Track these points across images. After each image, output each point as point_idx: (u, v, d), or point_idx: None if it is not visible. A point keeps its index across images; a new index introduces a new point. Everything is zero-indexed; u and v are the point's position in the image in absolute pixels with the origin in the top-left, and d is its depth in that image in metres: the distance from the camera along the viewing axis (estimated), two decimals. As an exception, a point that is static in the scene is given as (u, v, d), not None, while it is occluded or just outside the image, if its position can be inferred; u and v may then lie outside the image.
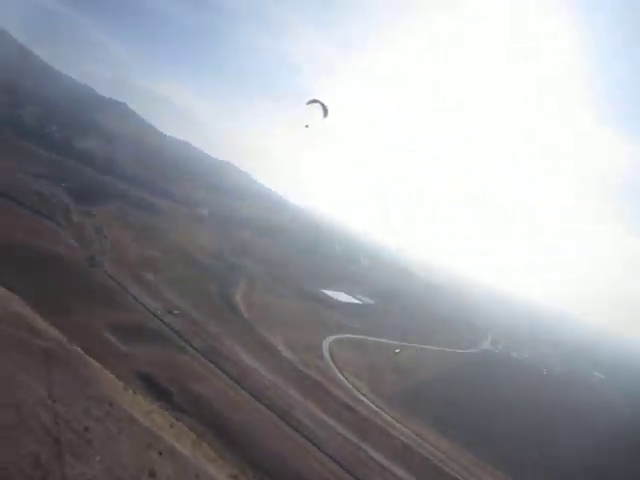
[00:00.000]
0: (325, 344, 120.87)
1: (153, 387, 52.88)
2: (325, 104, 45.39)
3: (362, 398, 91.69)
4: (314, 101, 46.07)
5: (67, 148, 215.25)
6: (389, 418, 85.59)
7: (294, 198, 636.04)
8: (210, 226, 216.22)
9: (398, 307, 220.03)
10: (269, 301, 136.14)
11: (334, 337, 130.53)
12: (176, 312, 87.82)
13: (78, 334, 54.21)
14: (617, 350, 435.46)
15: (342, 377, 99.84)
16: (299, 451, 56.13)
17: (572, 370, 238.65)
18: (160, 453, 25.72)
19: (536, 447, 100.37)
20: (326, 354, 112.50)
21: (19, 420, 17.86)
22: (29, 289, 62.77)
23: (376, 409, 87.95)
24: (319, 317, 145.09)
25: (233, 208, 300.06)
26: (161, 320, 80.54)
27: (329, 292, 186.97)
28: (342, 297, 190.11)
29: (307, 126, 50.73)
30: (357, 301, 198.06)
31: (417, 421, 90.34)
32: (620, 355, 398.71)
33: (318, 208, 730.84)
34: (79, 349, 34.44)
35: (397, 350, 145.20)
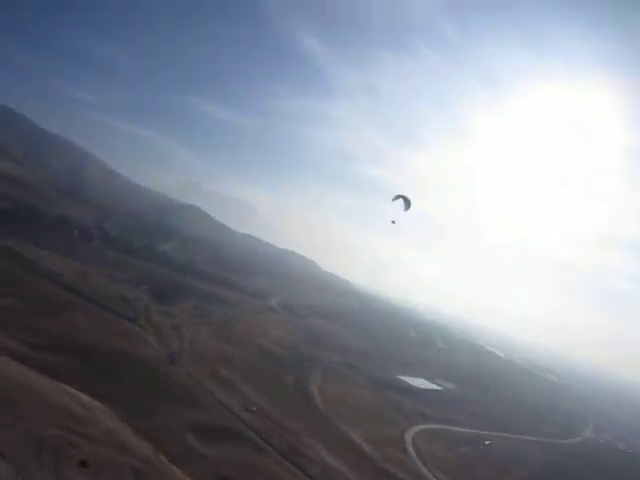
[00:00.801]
0: (407, 436, 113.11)
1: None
2: (408, 197, 46.34)
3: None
4: (399, 197, 47.16)
5: (148, 253, 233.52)
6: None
7: (359, 281, 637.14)
8: (281, 316, 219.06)
9: (481, 392, 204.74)
10: (345, 391, 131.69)
11: (416, 428, 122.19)
12: (253, 409, 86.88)
13: (161, 438, 55.08)
14: None
15: (429, 474, 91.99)
16: None
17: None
18: None
19: None
20: (409, 447, 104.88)
21: None
22: (114, 393, 65.67)
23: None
24: (398, 406, 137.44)
25: (301, 296, 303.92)
26: (239, 418, 79.92)
27: (407, 378, 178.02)
28: (421, 383, 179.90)
29: (394, 222, 50.93)
30: (437, 387, 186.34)
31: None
32: None
33: (384, 291, 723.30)
34: (165, 460, 34.74)
35: (487, 442, 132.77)
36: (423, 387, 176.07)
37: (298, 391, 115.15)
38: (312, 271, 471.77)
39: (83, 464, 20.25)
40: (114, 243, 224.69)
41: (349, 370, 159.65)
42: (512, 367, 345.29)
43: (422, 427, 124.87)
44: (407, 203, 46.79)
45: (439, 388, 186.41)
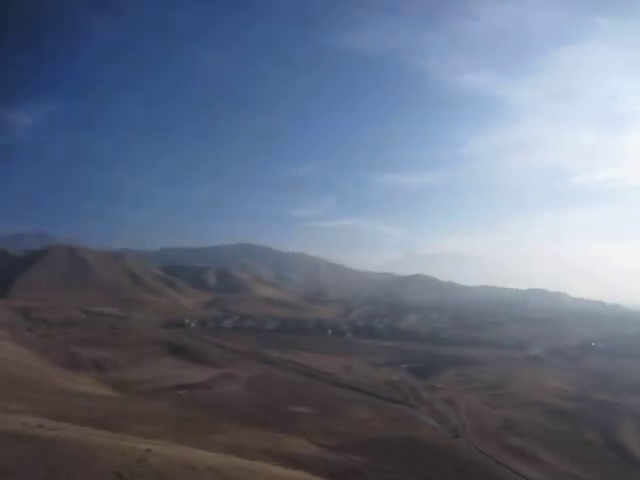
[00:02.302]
0: None
1: None
2: None
3: None
4: None
5: (392, 332, 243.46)
6: None
7: (627, 301, 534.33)
8: (551, 364, 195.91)
9: None
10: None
11: None
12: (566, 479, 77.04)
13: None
14: None
15: None
16: None
17: None
18: None
19: None
20: None
21: None
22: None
23: None
24: None
25: (564, 336, 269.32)
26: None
27: None
28: None
29: None
30: None
31: None
32: None
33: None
34: None
35: None
36: None
37: (612, 450, 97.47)
38: (566, 304, 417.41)
39: None
40: (362, 332, 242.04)
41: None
42: None
43: None
44: None
45: None
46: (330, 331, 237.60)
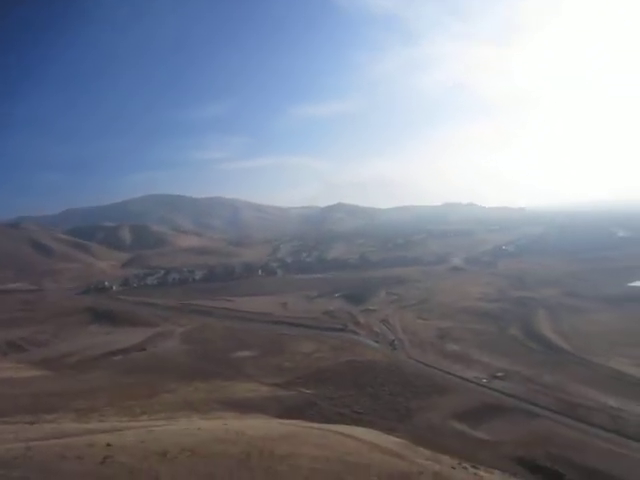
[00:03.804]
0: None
1: (536, 470, 48.46)
2: None
3: None
4: None
5: (322, 264, 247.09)
6: None
7: (530, 205, 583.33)
8: (471, 272, 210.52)
9: None
10: (579, 322, 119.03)
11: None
12: (500, 374, 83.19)
13: (434, 438, 55.14)
14: None
15: None
16: None
17: None
18: None
19: None
20: None
21: None
22: (369, 408, 68.84)
23: None
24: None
25: (482, 243, 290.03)
26: (493, 389, 76.99)
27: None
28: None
29: None
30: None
31: None
32: None
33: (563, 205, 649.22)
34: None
35: None
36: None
37: (532, 340, 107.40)
38: (477, 214, 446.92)
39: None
40: (292, 268, 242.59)
41: (571, 298, 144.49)
42: None
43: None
44: None
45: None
46: (260, 272, 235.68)
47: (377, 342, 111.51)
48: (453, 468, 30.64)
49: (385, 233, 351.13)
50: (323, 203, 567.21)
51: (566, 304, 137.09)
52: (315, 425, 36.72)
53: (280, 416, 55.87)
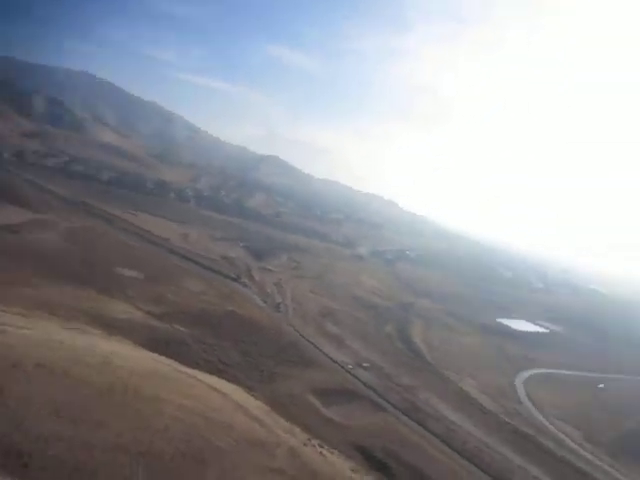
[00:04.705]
0: (518, 383, 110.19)
1: (369, 459, 52.72)
2: None
3: (581, 451, 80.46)
4: None
5: (238, 209, 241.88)
6: (622, 478, 73.57)
7: (441, 220, 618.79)
8: (372, 264, 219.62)
9: (591, 333, 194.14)
10: (448, 339, 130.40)
11: (525, 374, 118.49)
12: (366, 365, 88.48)
13: (290, 407, 57.64)
14: None
15: (549, 425, 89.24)
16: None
17: None
18: None
19: None
20: (523, 396, 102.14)
21: None
22: (236, 361, 69.74)
23: (605, 466, 76.36)
24: (503, 351, 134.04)
25: (388, 241, 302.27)
26: (355, 376, 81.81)
27: (508, 322, 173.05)
28: (523, 326, 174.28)
29: None
30: (540, 329, 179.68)
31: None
32: None
33: (471, 229, 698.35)
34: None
35: (601, 385, 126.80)
36: (526, 330, 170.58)
37: (403, 342, 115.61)
38: (394, 213, 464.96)
39: None
40: (207, 202, 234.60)
41: (448, 317, 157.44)
42: (617, 303, 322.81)
43: (531, 372, 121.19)
44: None
45: (545, 330, 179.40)
46: (173, 195, 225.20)
47: (265, 302, 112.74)
48: (305, 445, 32.38)
49: (307, 200, 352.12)
50: (259, 150, 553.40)
51: (442, 320, 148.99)
52: (184, 369, 36.28)
53: (146, 346, 54.06)
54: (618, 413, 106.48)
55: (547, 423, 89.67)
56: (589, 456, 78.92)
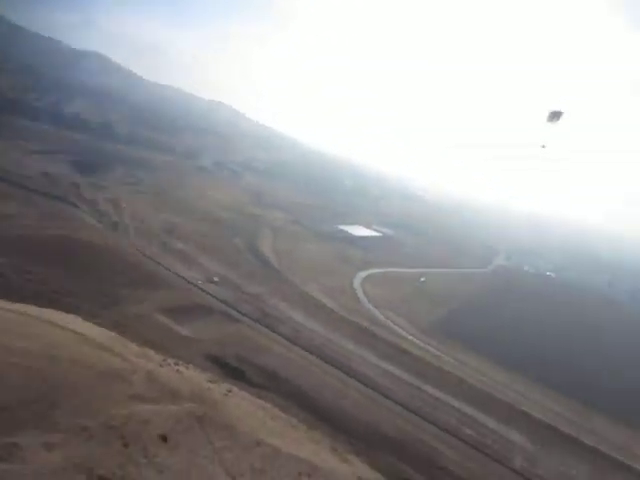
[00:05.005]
0: (356, 283, 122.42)
1: (224, 367, 54.14)
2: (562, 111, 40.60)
3: (406, 335, 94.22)
4: (556, 115, 41.07)
5: (56, 116, 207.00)
6: (437, 352, 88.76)
7: (285, 129, 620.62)
8: (217, 177, 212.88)
9: (415, 234, 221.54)
10: (295, 248, 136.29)
11: (362, 274, 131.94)
12: (216, 279, 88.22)
13: (138, 328, 55.04)
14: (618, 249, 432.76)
15: (381, 316, 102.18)
16: (372, 406, 58.79)
17: (580, 272, 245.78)
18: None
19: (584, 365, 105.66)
20: (360, 294, 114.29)
21: None
22: (74, 287, 63.08)
23: (422, 344, 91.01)
24: (343, 255, 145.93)
25: (235, 153, 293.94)
26: (205, 291, 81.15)
27: (347, 228, 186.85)
28: (360, 231, 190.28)
29: (544, 146, 46.66)
30: (375, 233, 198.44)
31: (459, 348, 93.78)
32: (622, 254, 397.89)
33: (320, 142, 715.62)
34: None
35: (422, 279, 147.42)
36: (363, 234, 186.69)
37: (252, 253, 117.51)
38: (241, 124, 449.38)
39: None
40: (11, 107, 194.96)
41: (294, 226, 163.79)
42: (436, 207, 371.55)
43: (367, 272, 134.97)
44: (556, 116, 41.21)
45: (378, 234, 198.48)
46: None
47: (100, 222, 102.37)
48: (161, 366, 30.86)
49: (140, 107, 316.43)
50: (76, 44, 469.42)
51: (289, 230, 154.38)
52: (9, 306, 30.75)
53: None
54: (434, 301, 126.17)
55: (379, 315, 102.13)
56: (411, 338, 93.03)
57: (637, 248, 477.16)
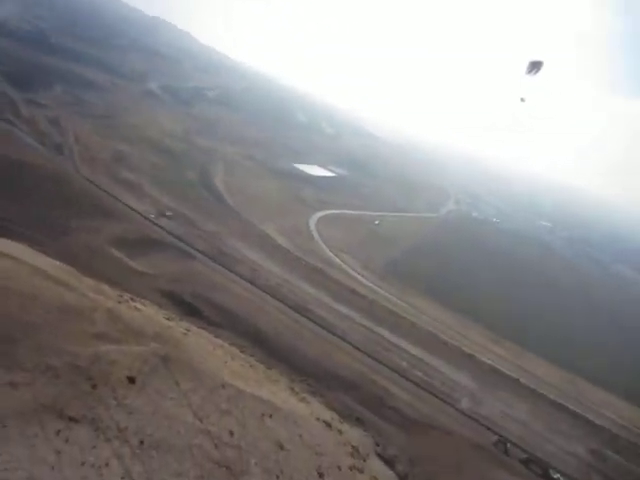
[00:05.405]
0: (312, 224, 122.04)
1: (180, 304, 52.60)
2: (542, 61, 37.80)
3: (360, 278, 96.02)
4: (535, 65, 37.99)
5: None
6: (388, 295, 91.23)
7: (235, 55, 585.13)
8: (166, 103, 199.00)
9: (370, 176, 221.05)
10: (249, 184, 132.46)
11: (318, 215, 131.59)
12: (169, 214, 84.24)
13: (89, 260, 51.74)
14: (561, 199, 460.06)
15: (336, 258, 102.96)
16: (327, 347, 59.80)
17: (524, 220, 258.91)
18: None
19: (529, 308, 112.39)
20: (316, 235, 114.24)
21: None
22: (16, 214, 57.71)
23: (375, 287, 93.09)
24: (299, 195, 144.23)
25: (183, 77, 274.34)
26: (159, 226, 77.44)
27: (302, 167, 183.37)
28: (316, 171, 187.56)
29: (523, 100, 46.07)
30: (331, 174, 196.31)
31: (412, 292, 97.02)
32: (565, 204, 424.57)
33: (269, 69, 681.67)
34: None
35: (377, 221, 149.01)
36: (318, 174, 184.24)
37: (206, 188, 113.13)
38: (189, 46, 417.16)
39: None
40: None
41: (248, 161, 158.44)
42: (390, 147, 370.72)
43: (322, 213, 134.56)
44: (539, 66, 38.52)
45: (333, 175, 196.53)
46: None
47: (42, 144, 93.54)
48: (119, 303, 29.04)
49: (75, 16, 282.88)
50: None
51: (243, 165, 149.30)
52: None
53: None
54: (387, 244, 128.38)
55: (334, 257, 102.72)
56: (363, 280, 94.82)
57: (580, 199, 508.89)
